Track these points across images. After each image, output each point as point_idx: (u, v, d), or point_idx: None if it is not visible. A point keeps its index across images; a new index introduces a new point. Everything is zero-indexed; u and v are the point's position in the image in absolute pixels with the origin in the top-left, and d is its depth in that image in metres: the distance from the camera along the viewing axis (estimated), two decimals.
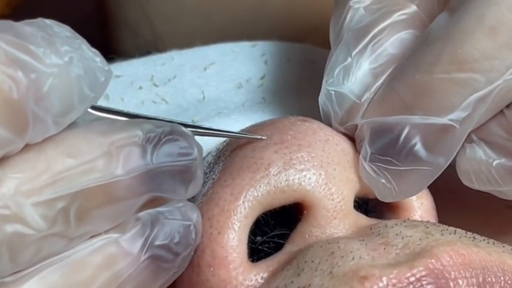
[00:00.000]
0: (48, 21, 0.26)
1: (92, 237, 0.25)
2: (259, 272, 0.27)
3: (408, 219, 0.29)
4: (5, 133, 0.23)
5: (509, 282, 0.25)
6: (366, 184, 0.29)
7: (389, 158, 0.28)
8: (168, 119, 0.27)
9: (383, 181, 0.28)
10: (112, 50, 0.52)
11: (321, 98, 0.30)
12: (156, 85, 0.37)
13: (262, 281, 0.27)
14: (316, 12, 0.51)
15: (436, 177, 0.28)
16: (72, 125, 0.26)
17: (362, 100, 0.29)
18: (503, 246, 0.27)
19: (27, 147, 0.24)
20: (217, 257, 0.27)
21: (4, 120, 0.23)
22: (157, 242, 0.26)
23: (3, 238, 0.23)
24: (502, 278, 0.25)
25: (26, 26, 0.25)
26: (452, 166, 0.29)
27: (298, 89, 0.37)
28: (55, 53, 0.24)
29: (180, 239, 0.26)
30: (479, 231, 0.28)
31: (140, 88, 0.37)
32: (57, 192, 0.24)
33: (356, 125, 0.29)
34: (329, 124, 0.30)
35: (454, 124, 0.27)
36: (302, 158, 0.28)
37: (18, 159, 0.24)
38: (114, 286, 0.25)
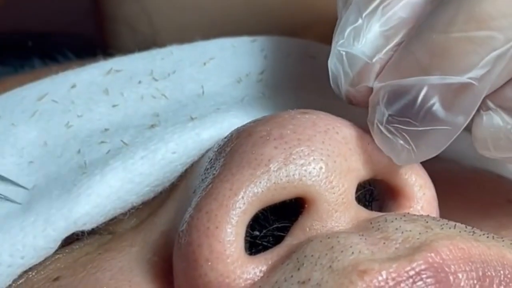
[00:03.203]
0: None
1: None
2: (257, 265, 0.27)
3: (408, 213, 0.29)
4: None
5: (509, 276, 0.25)
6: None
7: (407, 119, 0.28)
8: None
9: (402, 142, 0.28)
10: (109, 46, 0.52)
11: (331, 60, 0.30)
12: (155, 80, 0.37)
13: (261, 274, 0.27)
14: (312, 6, 0.51)
15: (454, 136, 0.28)
16: None
17: (373, 60, 0.29)
18: (503, 240, 0.27)
19: None
20: (214, 251, 0.27)
21: None
22: None
23: None
24: (501, 272, 0.25)
25: None
26: (454, 160, 0.29)
27: (298, 84, 0.37)
28: None
29: None
30: (480, 225, 0.28)
31: (140, 82, 0.36)
32: None
33: (367, 87, 0.29)
34: (338, 87, 0.30)
35: (473, 82, 0.27)
36: (302, 153, 0.28)
37: None
38: None
